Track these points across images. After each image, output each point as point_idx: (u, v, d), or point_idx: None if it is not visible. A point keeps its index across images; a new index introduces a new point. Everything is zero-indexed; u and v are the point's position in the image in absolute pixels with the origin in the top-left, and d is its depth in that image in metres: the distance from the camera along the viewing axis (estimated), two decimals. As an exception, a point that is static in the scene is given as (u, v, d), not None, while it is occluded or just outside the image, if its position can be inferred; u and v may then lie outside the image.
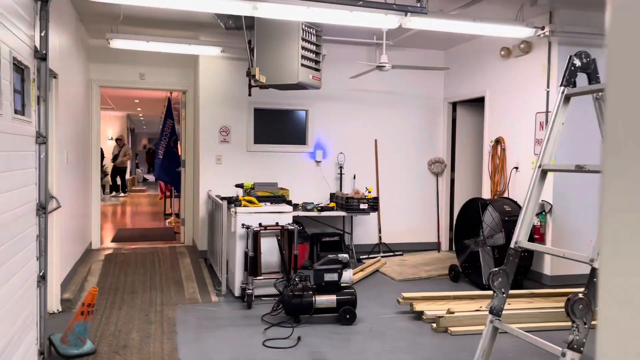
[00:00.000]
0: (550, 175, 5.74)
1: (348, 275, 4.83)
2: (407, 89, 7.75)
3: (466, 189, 7.80)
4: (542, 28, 5.21)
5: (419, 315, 4.84)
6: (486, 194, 6.80)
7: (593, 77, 2.18)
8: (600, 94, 2.12)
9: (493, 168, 6.68)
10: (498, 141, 6.58)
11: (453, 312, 4.64)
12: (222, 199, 5.66)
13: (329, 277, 4.70)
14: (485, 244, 5.99)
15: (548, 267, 5.83)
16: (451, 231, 7.92)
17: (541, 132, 5.86)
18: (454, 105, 7.81)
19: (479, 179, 7.30)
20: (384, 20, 4.73)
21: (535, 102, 5.95)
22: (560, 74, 5.65)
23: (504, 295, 2.28)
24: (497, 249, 5.94)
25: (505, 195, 6.40)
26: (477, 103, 7.44)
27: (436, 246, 7.92)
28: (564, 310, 4.94)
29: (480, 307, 4.83)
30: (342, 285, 4.75)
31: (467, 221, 6.36)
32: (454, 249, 7.81)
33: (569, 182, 5.79)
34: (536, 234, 5.81)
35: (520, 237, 2.12)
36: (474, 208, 6.28)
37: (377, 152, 7.63)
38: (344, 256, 4.81)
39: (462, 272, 6.27)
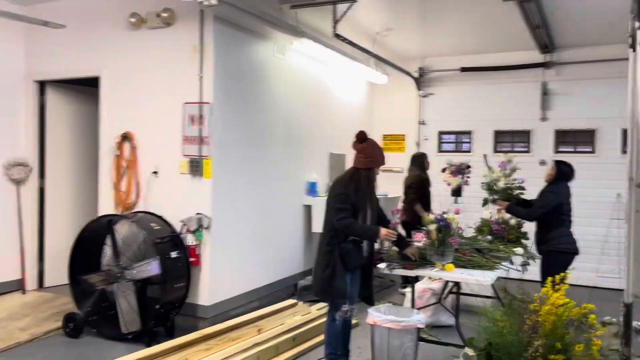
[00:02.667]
0: (208, 181, 4.67)
1: None
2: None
3: (69, 202, 5.73)
4: (207, -6, 4.04)
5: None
6: (107, 208, 5.04)
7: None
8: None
9: (118, 173, 5.00)
10: (126, 137, 4.96)
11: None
12: None
13: None
14: (123, 278, 4.35)
15: (205, 297, 4.69)
16: (41, 261, 5.66)
17: (193, 128, 4.65)
18: (42, 85, 5.59)
19: (92, 187, 5.42)
20: None
21: (184, 89, 4.68)
22: (217, 56, 4.62)
23: None
24: (142, 282, 4.39)
25: (141, 208, 4.87)
26: (86, 86, 5.54)
27: (20, 285, 5.50)
28: (253, 353, 3.99)
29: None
30: None
31: (93, 249, 4.53)
32: (46, 286, 5.63)
33: (226, 190, 4.83)
34: (192, 257, 4.59)
35: None
36: (101, 229, 4.50)
37: None
38: None
39: (86, 322, 4.40)
